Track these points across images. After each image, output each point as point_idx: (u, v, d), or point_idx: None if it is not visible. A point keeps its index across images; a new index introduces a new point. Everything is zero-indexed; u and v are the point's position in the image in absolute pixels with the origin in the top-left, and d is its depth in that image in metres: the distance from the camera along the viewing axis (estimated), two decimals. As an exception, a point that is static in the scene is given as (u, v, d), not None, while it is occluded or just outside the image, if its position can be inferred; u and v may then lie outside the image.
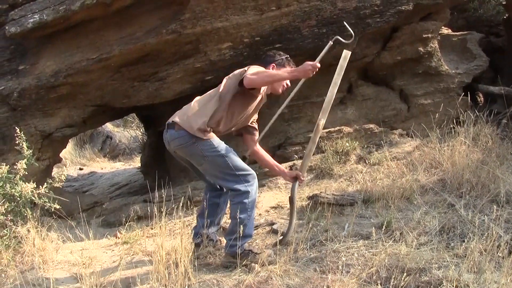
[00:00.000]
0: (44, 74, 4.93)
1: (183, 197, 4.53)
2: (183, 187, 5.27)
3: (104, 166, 10.45)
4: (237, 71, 3.71)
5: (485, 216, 3.92)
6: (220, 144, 3.59)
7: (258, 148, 4.03)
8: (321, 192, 4.68)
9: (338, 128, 5.77)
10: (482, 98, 6.96)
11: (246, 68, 3.61)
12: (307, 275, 3.34)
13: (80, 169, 10.08)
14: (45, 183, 4.27)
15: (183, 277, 3.25)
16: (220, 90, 3.64)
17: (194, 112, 3.60)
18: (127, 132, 12.93)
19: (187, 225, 4.50)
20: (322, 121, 3.76)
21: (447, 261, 3.31)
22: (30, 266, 3.90)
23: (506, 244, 3.38)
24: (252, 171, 3.66)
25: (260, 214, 4.78)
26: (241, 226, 3.48)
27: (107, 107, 5.56)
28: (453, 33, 6.66)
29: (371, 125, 5.90)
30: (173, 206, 4.11)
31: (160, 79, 5.19)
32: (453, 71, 6.24)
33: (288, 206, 4.28)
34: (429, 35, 5.92)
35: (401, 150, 5.67)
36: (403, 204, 4.46)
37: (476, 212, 4.03)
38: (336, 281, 3.15)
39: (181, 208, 3.80)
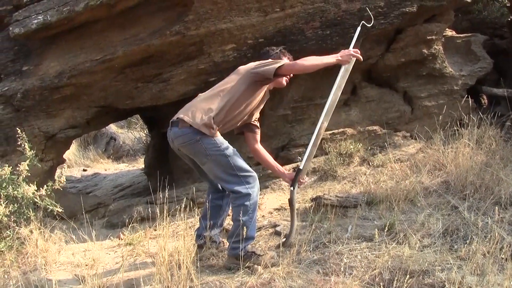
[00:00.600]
0: (47, 75, 4.94)
1: (185, 199, 4.53)
2: (186, 189, 5.28)
3: (108, 167, 10.45)
4: (246, 66, 3.78)
5: (489, 218, 3.90)
6: (224, 144, 3.60)
7: (259, 147, 4.03)
8: (324, 194, 4.68)
9: (341, 130, 5.76)
10: (486, 100, 6.94)
11: (255, 63, 3.72)
12: (310, 277, 3.33)
13: (84, 170, 10.08)
14: (45, 186, 4.28)
15: (186, 279, 3.24)
16: (229, 86, 3.66)
17: (199, 108, 3.61)
18: (131, 133, 12.92)
19: (190, 227, 4.50)
20: (324, 124, 3.76)
21: (450, 263, 3.30)
22: (33, 267, 3.91)
23: (509, 246, 3.37)
24: (253, 173, 3.66)
25: (263, 216, 4.78)
26: (244, 228, 3.48)
27: (111, 108, 5.56)
28: (457, 35, 6.64)
29: (375, 127, 5.89)
30: (176, 207, 4.11)
31: (163, 80, 5.20)
32: (457, 73, 6.22)
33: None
34: (433, 37, 5.91)
35: (405, 152, 5.67)
36: (406, 206, 4.45)
37: (480, 214, 4.02)
38: (339, 283, 3.14)
39: (184, 210, 3.80)
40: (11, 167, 4.24)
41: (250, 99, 3.71)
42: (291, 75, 3.92)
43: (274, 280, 3.29)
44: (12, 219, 4.07)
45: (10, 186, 4.14)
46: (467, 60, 6.47)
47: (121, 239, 4.62)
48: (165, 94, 5.29)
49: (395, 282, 3.01)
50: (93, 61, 4.88)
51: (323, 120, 3.77)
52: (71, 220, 4.59)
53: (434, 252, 3.52)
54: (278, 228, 4.36)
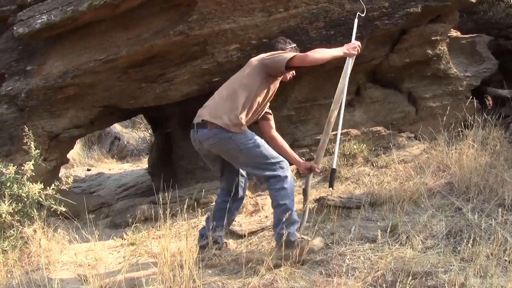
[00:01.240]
0: (51, 74, 4.95)
1: (188, 199, 4.53)
2: (190, 189, 5.27)
3: (112, 167, 10.46)
4: (259, 56, 3.87)
5: (492, 220, 3.89)
6: (254, 136, 3.70)
7: (275, 133, 4.10)
8: (327, 195, 4.66)
9: (345, 130, 5.73)
10: (491, 101, 6.91)
11: (267, 54, 3.82)
12: (313, 278, 3.33)
13: (88, 170, 10.10)
14: (53, 185, 4.29)
15: (188, 279, 3.24)
16: (245, 81, 3.73)
17: (224, 108, 3.67)
18: (135, 133, 12.94)
19: (193, 227, 4.50)
20: (335, 112, 3.79)
21: (454, 265, 3.28)
22: (36, 267, 3.92)
23: (512, 248, 3.35)
24: (284, 159, 3.77)
25: (266, 217, 4.75)
26: (287, 213, 3.50)
27: (114, 108, 5.57)
28: (462, 35, 6.61)
29: (379, 128, 5.87)
30: (180, 207, 4.11)
31: (167, 80, 5.20)
32: (462, 74, 6.20)
33: (302, 200, 4.25)
34: (438, 38, 5.89)
35: (409, 153, 5.64)
36: (410, 207, 4.43)
37: (483, 216, 4.00)
38: (341, 284, 3.13)
39: (187, 210, 3.80)
40: (15, 166, 4.25)
41: (266, 91, 3.80)
42: (293, 72, 3.97)
43: (277, 281, 3.29)
44: (16, 218, 4.08)
45: (15, 185, 4.15)
46: (472, 61, 6.44)
47: (124, 239, 4.62)
48: (169, 94, 5.29)
49: (398, 283, 3.00)
50: (96, 61, 4.89)
51: (333, 108, 3.81)
52: (75, 219, 4.60)
53: (437, 253, 3.51)
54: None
